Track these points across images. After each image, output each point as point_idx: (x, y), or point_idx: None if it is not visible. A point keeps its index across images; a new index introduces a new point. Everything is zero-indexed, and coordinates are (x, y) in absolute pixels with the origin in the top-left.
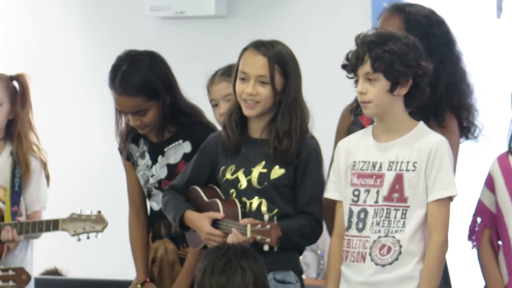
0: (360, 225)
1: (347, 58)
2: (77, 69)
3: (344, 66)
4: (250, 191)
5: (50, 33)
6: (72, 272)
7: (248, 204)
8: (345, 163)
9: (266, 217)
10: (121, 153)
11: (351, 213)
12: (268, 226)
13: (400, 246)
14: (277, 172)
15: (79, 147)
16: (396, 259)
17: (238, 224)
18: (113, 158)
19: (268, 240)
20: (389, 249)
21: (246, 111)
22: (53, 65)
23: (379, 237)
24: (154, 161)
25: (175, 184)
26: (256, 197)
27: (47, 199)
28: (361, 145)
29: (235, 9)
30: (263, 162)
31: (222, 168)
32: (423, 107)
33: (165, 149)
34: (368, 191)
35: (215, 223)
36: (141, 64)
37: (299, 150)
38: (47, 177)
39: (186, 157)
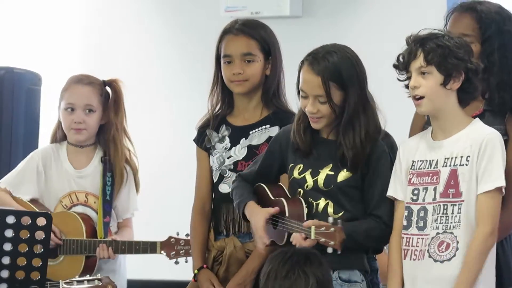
0: (421, 224)
1: (398, 59)
2: (151, 71)
3: (396, 66)
4: (316, 193)
5: (123, 35)
6: (134, 273)
7: (314, 205)
8: (406, 163)
9: (330, 219)
10: (197, 142)
11: (410, 212)
12: (332, 229)
13: (457, 242)
14: (343, 174)
15: (150, 150)
16: (454, 255)
17: (302, 225)
18: (187, 161)
19: (331, 243)
20: (448, 245)
21: (312, 125)
22: (126, 67)
23: (438, 233)
24: (235, 143)
25: (244, 174)
26: (323, 199)
27: (136, 206)
28: (420, 145)
29: (310, 9)
30: (331, 165)
31: (291, 165)
32: (500, 103)
33: (250, 132)
34: (426, 189)
35: (278, 221)
36: (266, 25)
37: (369, 154)
38: (137, 184)
39: (270, 140)
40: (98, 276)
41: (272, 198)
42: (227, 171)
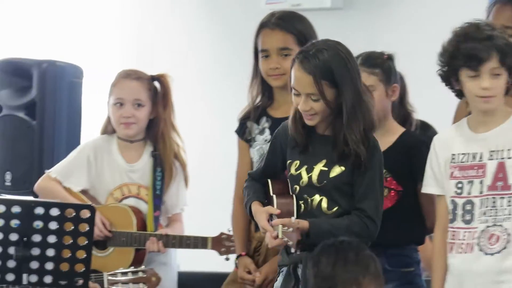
0: (468, 217)
1: (469, 55)
2: (191, 64)
3: (468, 65)
4: (311, 189)
5: (163, 28)
6: (184, 265)
7: (309, 201)
8: (443, 156)
9: (292, 219)
10: (238, 133)
11: (455, 205)
12: (290, 229)
13: (508, 235)
14: (336, 170)
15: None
16: (504, 247)
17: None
18: (229, 154)
19: (290, 243)
20: (498, 238)
21: (306, 122)
22: (165, 60)
23: (487, 226)
24: None
25: (253, 173)
26: (317, 195)
27: (185, 201)
28: (458, 138)
29: (351, 1)
30: (324, 161)
31: (289, 161)
32: None
33: None
34: (471, 182)
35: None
36: (303, 17)
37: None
38: (186, 179)
39: None
40: (142, 267)
41: (271, 194)
42: None
